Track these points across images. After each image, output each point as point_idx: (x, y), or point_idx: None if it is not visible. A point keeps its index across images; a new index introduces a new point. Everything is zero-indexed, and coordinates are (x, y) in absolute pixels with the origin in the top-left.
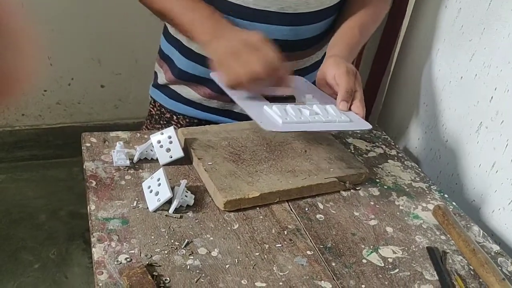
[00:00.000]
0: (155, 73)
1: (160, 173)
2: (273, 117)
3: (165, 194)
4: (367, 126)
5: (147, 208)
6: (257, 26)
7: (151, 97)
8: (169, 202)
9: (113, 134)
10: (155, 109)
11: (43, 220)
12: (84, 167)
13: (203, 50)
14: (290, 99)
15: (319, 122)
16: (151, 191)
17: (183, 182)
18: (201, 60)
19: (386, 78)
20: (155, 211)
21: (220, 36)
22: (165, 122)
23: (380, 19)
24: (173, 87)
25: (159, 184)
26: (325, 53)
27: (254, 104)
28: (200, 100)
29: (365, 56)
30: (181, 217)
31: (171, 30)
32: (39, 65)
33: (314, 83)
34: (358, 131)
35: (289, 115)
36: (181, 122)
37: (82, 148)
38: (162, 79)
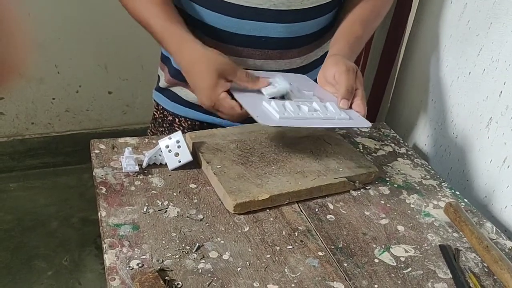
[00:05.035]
0: (158, 76)
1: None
2: (271, 112)
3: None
4: (367, 124)
5: (157, 213)
6: (249, 24)
7: (154, 100)
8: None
9: (121, 140)
10: (158, 112)
11: (55, 227)
12: (93, 174)
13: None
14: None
15: (317, 118)
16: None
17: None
18: None
19: (393, 75)
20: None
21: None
22: (167, 125)
23: (382, 15)
24: (172, 89)
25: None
26: (326, 52)
27: (253, 100)
28: (198, 101)
29: (372, 54)
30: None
31: None
32: (30, 52)
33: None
34: (357, 129)
35: (287, 111)
36: (183, 125)
37: (91, 155)
38: (163, 82)
